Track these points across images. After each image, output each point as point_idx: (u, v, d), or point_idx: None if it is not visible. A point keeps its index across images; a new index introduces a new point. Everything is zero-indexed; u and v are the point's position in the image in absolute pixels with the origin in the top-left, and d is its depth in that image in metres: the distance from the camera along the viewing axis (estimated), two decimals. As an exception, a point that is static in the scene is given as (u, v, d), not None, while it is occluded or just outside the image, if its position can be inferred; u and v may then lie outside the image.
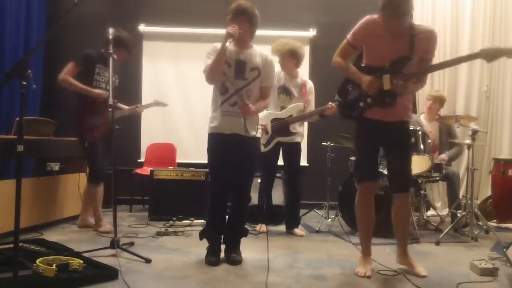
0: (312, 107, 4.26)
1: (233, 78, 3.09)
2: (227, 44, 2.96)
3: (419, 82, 2.87)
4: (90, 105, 3.90)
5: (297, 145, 4.24)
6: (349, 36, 2.91)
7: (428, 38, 2.76)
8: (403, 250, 3.00)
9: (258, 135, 3.26)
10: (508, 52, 2.58)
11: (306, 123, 4.75)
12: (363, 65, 2.90)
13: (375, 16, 2.81)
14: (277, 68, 4.20)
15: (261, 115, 4.14)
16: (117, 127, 4.00)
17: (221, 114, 3.11)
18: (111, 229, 3.90)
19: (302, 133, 4.30)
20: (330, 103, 4.03)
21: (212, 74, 3.04)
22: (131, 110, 4.25)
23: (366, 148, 2.96)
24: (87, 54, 3.95)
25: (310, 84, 4.30)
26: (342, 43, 2.96)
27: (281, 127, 4.14)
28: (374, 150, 2.96)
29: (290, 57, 4.13)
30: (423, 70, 2.77)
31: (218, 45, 3.03)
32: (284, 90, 4.19)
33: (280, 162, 4.33)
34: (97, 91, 3.86)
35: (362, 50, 2.94)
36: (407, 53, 2.74)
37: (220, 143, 3.13)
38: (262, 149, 4.20)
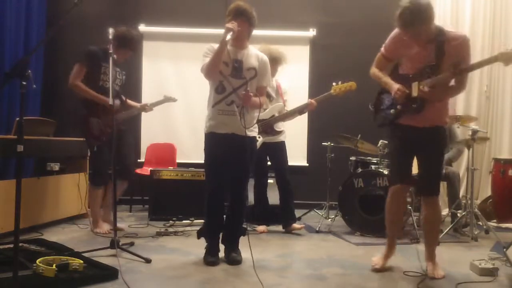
0: (288, 106, 4.35)
1: (230, 77, 3.10)
2: (228, 37, 2.95)
3: (451, 89, 2.87)
4: (99, 109, 3.87)
5: (282, 144, 4.31)
6: (382, 48, 2.99)
7: (460, 45, 2.75)
8: (429, 254, 3.03)
9: (255, 134, 3.26)
10: None
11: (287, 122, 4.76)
12: (401, 74, 2.96)
13: None
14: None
15: None
16: (124, 128, 4.03)
17: (218, 113, 3.12)
18: (109, 231, 3.90)
19: (284, 131, 4.36)
20: (310, 99, 4.16)
21: (212, 69, 3.04)
22: (140, 109, 4.24)
23: (397, 153, 3.04)
24: (90, 51, 3.87)
25: (284, 85, 4.40)
26: (378, 55, 3.04)
27: (265, 127, 4.20)
28: (405, 155, 3.00)
29: (272, 65, 4.18)
30: (443, 76, 2.75)
31: (215, 45, 3.04)
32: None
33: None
34: (109, 101, 3.80)
35: (397, 61, 3.00)
36: (434, 61, 2.76)
37: (216, 142, 3.14)
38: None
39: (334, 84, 4.06)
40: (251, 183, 4.61)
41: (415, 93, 2.79)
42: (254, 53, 3.20)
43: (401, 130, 2.96)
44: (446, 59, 2.74)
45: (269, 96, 4.25)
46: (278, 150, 4.30)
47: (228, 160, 3.12)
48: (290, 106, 4.34)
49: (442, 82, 2.76)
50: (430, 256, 3.01)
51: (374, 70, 3.04)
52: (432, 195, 2.98)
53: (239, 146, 3.11)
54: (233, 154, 3.11)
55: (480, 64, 2.85)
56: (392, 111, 2.96)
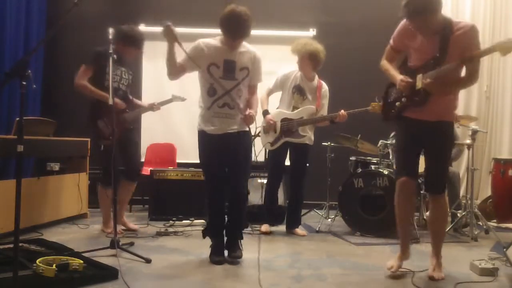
0: (325, 111, 4.21)
1: (221, 80, 3.07)
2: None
3: (458, 82, 2.82)
4: (107, 109, 3.86)
5: (306, 146, 4.19)
6: (391, 40, 2.97)
7: (465, 33, 2.68)
8: (434, 251, 2.99)
9: (247, 128, 3.20)
10: None
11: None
12: (408, 66, 2.94)
13: None
14: (295, 67, 4.19)
15: (272, 112, 4.12)
16: (132, 126, 4.03)
17: (211, 115, 3.12)
18: (121, 231, 3.90)
19: (311, 136, 4.22)
20: (342, 110, 4.01)
21: (168, 72, 3.09)
22: (148, 109, 4.22)
23: (403, 146, 3.02)
24: (97, 52, 3.83)
25: (325, 88, 4.24)
26: (387, 46, 3.02)
27: (290, 128, 4.11)
28: (411, 148, 2.97)
29: (309, 60, 4.07)
30: (444, 68, 2.71)
31: (207, 41, 3.10)
32: (298, 90, 4.14)
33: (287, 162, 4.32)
34: (115, 101, 3.76)
35: (406, 53, 2.97)
36: (438, 52, 2.73)
37: (211, 143, 3.13)
38: (269, 147, 4.19)
39: (376, 100, 3.68)
40: (253, 183, 4.62)
41: (418, 85, 2.76)
42: (247, 51, 3.17)
43: (407, 123, 2.93)
44: (451, 50, 2.69)
45: (303, 93, 4.13)
46: (301, 151, 4.18)
47: (224, 159, 3.12)
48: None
49: (445, 74, 2.70)
50: (436, 254, 2.97)
51: (383, 62, 3.02)
52: (437, 192, 2.95)
53: (234, 144, 3.11)
54: (228, 153, 3.11)
55: (479, 55, 2.80)
56: (397, 103, 2.94)
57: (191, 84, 5.58)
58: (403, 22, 2.82)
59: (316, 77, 4.22)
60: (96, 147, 3.97)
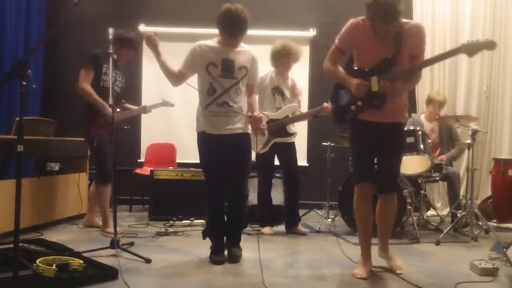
0: (303, 108, 4.30)
1: (220, 78, 3.09)
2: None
3: (409, 81, 2.82)
4: (101, 111, 3.88)
5: (293, 144, 4.26)
6: (336, 40, 2.88)
7: (415, 33, 2.72)
8: (383, 244, 3.05)
9: (248, 130, 3.24)
10: (487, 45, 2.55)
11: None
12: (355, 68, 2.88)
13: (360, 18, 2.77)
14: (269, 67, 4.20)
15: None
16: (126, 127, 4.04)
17: (210, 115, 3.12)
18: (120, 231, 3.91)
19: (296, 133, 4.31)
20: (325, 103, 4.05)
21: (168, 79, 3.26)
22: (139, 111, 4.26)
23: (360, 150, 2.96)
24: (94, 54, 3.91)
25: (299, 85, 4.35)
26: (331, 48, 2.93)
27: (278, 128, 4.14)
28: (369, 152, 2.95)
29: (294, 62, 4.17)
30: (409, 68, 2.73)
31: (203, 43, 3.12)
32: (278, 91, 4.20)
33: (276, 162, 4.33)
34: (109, 112, 3.80)
35: (351, 53, 2.92)
36: (391, 53, 2.72)
37: (210, 143, 3.14)
38: (261, 151, 4.19)
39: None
40: (254, 183, 4.61)
41: (375, 87, 2.72)
42: (244, 51, 3.19)
43: (362, 127, 2.89)
44: (403, 50, 2.71)
45: (282, 94, 4.19)
46: (289, 150, 4.22)
47: (223, 160, 3.12)
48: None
49: (405, 76, 2.72)
50: (385, 248, 3.03)
51: (327, 65, 2.92)
52: (389, 191, 2.96)
53: (233, 145, 3.12)
54: (228, 154, 3.12)
55: (445, 56, 2.81)
56: (352, 107, 2.87)
57: (191, 84, 5.63)
58: (353, 21, 2.78)
59: (289, 76, 4.29)
60: (90, 144, 3.98)
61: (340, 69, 2.92)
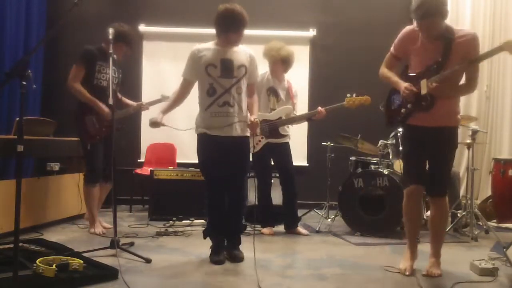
0: (297, 110, 4.30)
1: (220, 79, 3.09)
2: None
3: (460, 86, 2.86)
4: (95, 108, 3.87)
5: (286, 145, 4.26)
6: (392, 47, 3.00)
7: (467, 41, 2.75)
8: (433, 252, 3.03)
9: (248, 133, 3.25)
10: None
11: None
12: (409, 74, 2.95)
13: (414, 25, 2.87)
14: (264, 69, 4.20)
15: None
16: (123, 126, 4.03)
17: (211, 115, 3.13)
18: (103, 231, 3.90)
19: (290, 135, 4.31)
20: (319, 107, 4.07)
21: (182, 100, 3.40)
22: (136, 108, 4.20)
23: (409, 154, 3.05)
24: (86, 51, 3.86)
25: (295, 87, 4.36)
26: (387, 54, 3.04)
27: (270, 129, 4.15)
28: (418, 155, 2.98)
29: (281, 64, 4.17)
30: (454, 69, 2.74)
31: (201, 46, 3.14)
32: (273, 92, 4.21)
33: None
34: (106, 110, 3.80)
35: (406, 60, 2.99)
36: (440, 58, 2.77)
37: (210, 144, 3.14)
38: (252, 150, 4.20)
39: (348, 95, 4.00)
40: (253, 184, 4.61)
41: (424, 90, 2.77)
42: (242, 50, 3.20)
43: (412, 131, 2.97)
44: (452, 57, 2.75)
45: (277, 95, 4.20)
46: (282, 150, 4.23)
47: (223, 160, 3.12)
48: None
49: (450, 77, 2.74)
50: (436, 254, 3.00)
51: (383, 70, 3.04)
52: (440, 196, 2.98)
53: (233, 146, 3.13)
54: (228, 154, 3.12)
55: (486, 55, 2.85)
56: (403, 110, 2.95)
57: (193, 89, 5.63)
58: (407, 28, 2.89)
59: (285, 78, 4.29)
60: (83, 145, 3.96)
61: (393, 74, 3.00)
